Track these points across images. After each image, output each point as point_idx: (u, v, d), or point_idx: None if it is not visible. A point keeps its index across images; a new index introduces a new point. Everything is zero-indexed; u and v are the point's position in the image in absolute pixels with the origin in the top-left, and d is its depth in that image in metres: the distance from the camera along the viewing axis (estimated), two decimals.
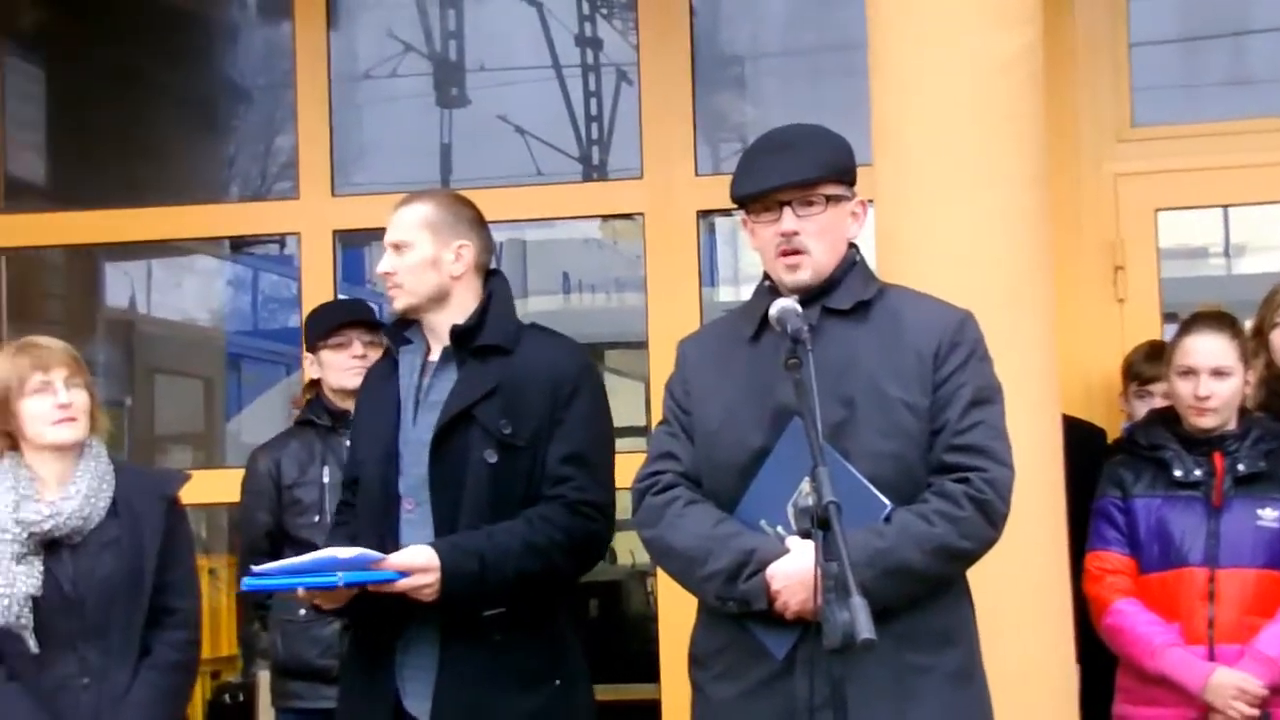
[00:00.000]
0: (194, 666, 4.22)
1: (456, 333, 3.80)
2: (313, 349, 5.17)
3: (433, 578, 3.60)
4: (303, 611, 4.96)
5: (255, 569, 3.68)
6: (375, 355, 4.92)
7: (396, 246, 3.84)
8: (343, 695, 3.97)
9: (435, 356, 3.85)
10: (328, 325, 5.12)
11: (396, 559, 3.61)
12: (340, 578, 3.54)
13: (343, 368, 5.06)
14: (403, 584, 3.59)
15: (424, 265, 3.82)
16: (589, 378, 3.87)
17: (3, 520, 3.95)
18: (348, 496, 3.99)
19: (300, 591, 3.70)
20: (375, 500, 3.81)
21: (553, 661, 3.78)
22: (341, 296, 6.01)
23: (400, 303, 3.85)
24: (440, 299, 3.84)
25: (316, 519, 4.98)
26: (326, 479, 5.00)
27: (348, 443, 4.88)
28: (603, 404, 3.88)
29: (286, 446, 5.15)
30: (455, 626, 3.69)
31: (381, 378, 3.93)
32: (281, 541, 5.06)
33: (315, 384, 5.19)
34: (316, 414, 5.13)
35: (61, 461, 4.03)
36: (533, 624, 3.74)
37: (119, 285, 8.53)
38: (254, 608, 5.44)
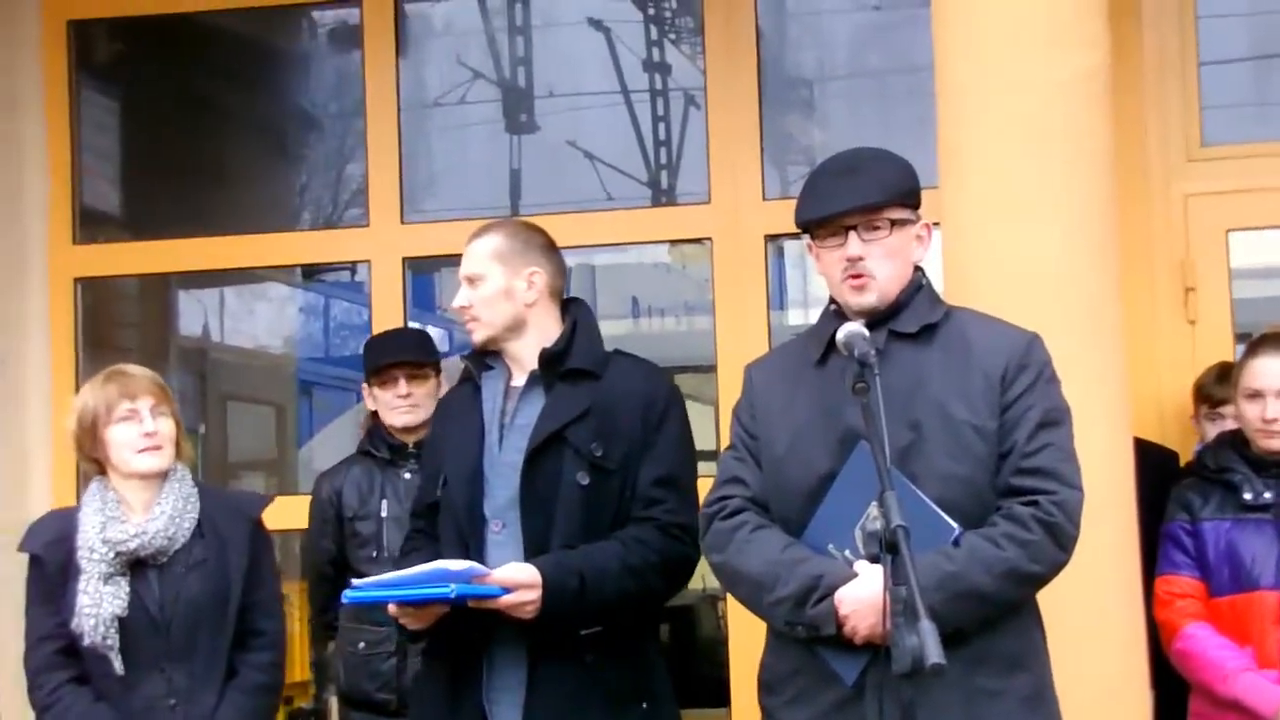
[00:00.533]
0: (279, 688, 4.25)
1: (545, 357, 3.85)
2: (368, 382, 5.20)
3: (535, 594, 3.64)
4: (362, 644, 5.00)
5: (356, 582, 3.74)
6: (422, 390, 5.02)
7: (470, 280, 3.90)
8: (422, 715, 3.97)
9: (517, 382, 3.89)
10: (375, 363, 5.15)
11: (501, 574, 3.64)
12: (454, 589, 3.56)
13: (389, 405, 5.09)
14: (506, 600, 3.62)
15: (498, 296, 3.87)
16: (677, 401, 3.93)
17: (90, 540, 4.00)
18: (420, 524, 4.01)
19: (391, 608, 3.71)
20: (460, 522, 3.83)
21: (641, 683, 3.82)
22: (406, 325, 6.03)
23: (479, 335, 3.91)
24: (517, 327, 3.89)
25: (375, 553, 5.00)
26: (385, 513, 5.03)
27: (405, 475, 4.94)
28: (688, 428, 3.94)
29: (348, 474, 5.16)
30: (545, 646, 3.71)
31: (464, 403, 3.96)
32: (345, 569, 5.08)
33: (375, 414, 5.21)
34: (375, 446, 5.15)
35: (147, 489, 4.07)
36: (622, 645, 3.78)
37: (192, 313, 8.61)
38: (323, 631, 5.46)
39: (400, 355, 5.14)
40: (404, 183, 6.25)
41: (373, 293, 6.24)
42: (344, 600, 3.77)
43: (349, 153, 6.97)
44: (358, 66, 6.36)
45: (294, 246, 6.77)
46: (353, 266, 7.86)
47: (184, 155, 6.92)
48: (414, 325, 6.21)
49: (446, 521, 3.88)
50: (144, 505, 4.06)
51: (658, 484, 3.81)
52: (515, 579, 3.64)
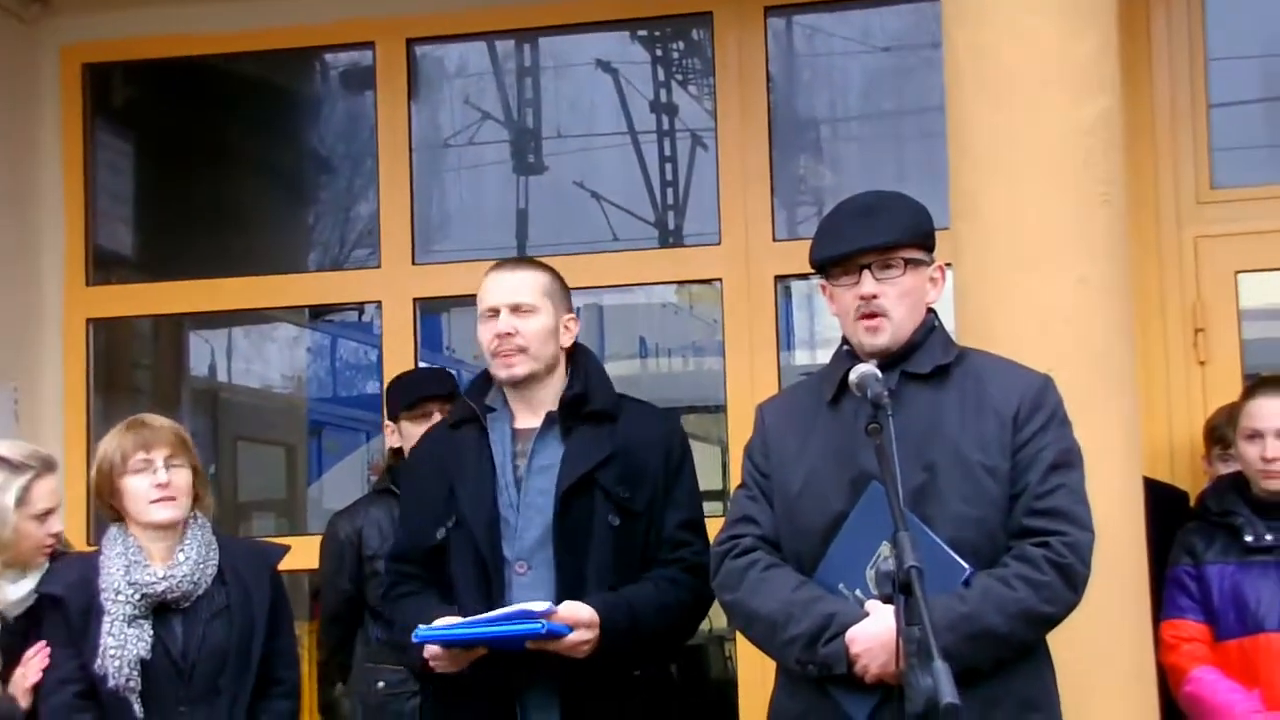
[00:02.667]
0: None
1: (568, 399, 3.85)
2: (394, 418, 5.19)
3: (594, 634, 3.65)
4: (381, 684, 4.99)
5: (438, 623, 3.66)
6: None
7: (517, 309, 3.85)
8: None
9: (527, 424, 3.88)
10: (410, 397, 5.14)
11: (564, 613, 3.63)
12: (544, 625, 3.57)
13: None
14: (570, 639, 3.63)
15: (547, 333, 3.87)
16: (687, 444, 3.98)
17: (116, 582, 4.00)
18: (407, 569, 3.94)
19: (427, 649, 3.68)
20: (477, 565, 3.80)
21: None
22: (423, 365, 6.06)
23: (523, 369, 3.85)
24: (553, 368, 3.90)
25: None
26: None
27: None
28: (695, 470, 3.99)
29: (368, 514, 5.16)
30: (576, 688, 3.72)
31: (466, 444, 3.91)
32: (362, 609, 5.07)
33: (397, 452, 5.19)
34: (397, 483, 5.15)
35: (165, 537, 4.08)
36: (650, 684, 3.83)
37: (203, 354, 8.62)
38: (336, 672, 5.45)
39: (435, 389, 5.15)
40: (415, 223, 6.29)
41: (384, 333, 6.26)
42: (416, 639, 3.67)
43: (360, 194, 6.99)
44: (370, 108, 6.40)
45: (306, 287, 6.79)
46: (361, 307, 7.87)
47: (197, 197, 6.95)
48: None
49: (461, 564, 3.84)
50: (163, 553, 4.07)
51: (682, 527, 3.86)
52: (577, 617, 3.64)
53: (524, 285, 3.89)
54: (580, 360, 3.96)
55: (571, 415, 3.86)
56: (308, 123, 7.33)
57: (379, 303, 6.31)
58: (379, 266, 6.30)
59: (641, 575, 3.81)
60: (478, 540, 3.80)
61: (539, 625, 3.57)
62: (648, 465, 3.86)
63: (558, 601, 3.67)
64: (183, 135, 6.95)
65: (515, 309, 3.85)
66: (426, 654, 3.72)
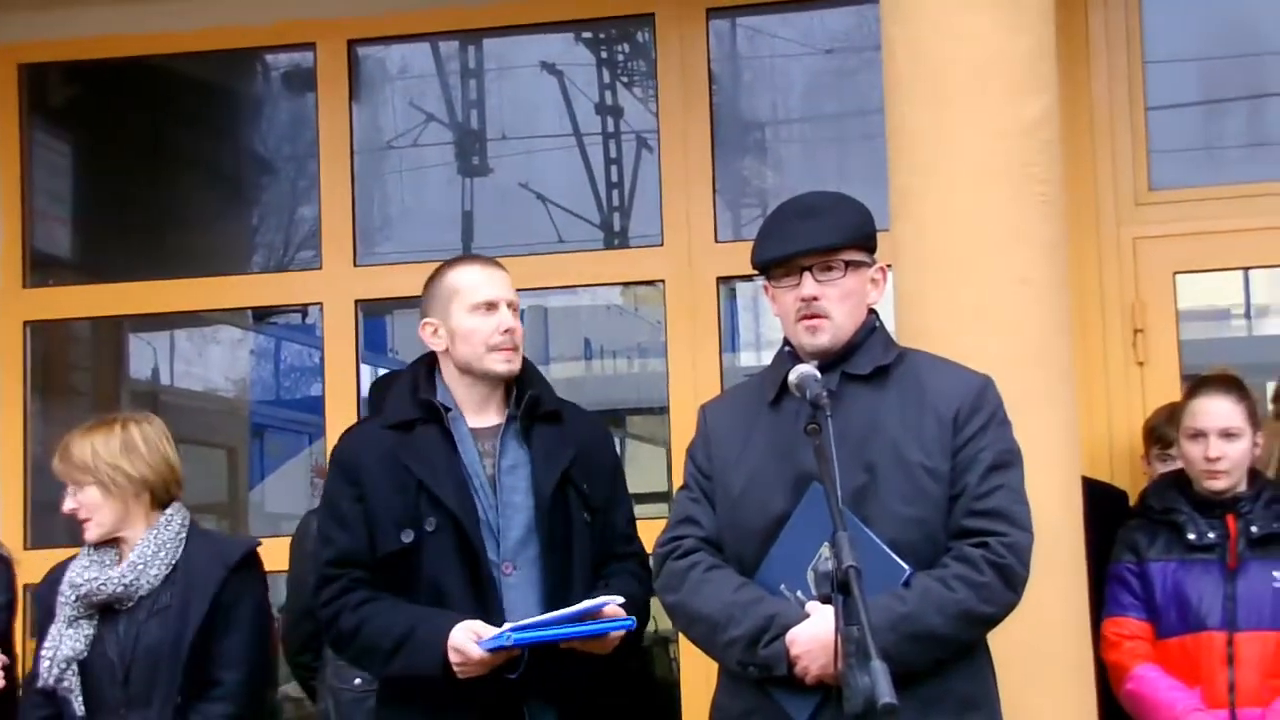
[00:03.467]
0: None
1: (531, 400, 3.88)
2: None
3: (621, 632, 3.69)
4: (358, 681, 4.94)
5: (516, 624, 3.60)
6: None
7: (512, 305, 3.91)
8: None
9: (481, 424, 3.87)
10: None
11: (610, 612, 3.64)
12: (632, 620, 3.61)
13: None
14: (612, 636, 3.66)
15: (522, 334, 3.94)
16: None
17: (63, 585, 4.09)
18: (358, 574, 3.82)
19: (458, 655, 3.61)
20: (464, 567, 3.77)
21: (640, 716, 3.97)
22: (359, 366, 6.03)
23: (517, 364, 3.89)
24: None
25: None
26: None
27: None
28: None
29: None
30: (574, 690, 3.74)
31: (431, 445, 3.85)
32: None
33: None
34: None
35: (124, 542, 4.15)
36: (634, 678, 3.92)
37: (143, 357, 8.55)
38: (296, 671, 5.40)
39: None
40: (357, 225, 6.26)
41: (325, 335, 6.23)
42: (507, 642, 3.58)
43: (302, 195, 6.94)
44: (311, 110, 6.37)
45: (247, 289, 6.75)
46: (304, 309, 7.83)
47: (136, 198, 6.89)
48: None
49: (444, 567, 3.77)
50: (123, 555, 4.13)
51: (631, 523, 3.95)
52: (617, 615, 3.66)
53: (510, 283, 3.94)
54: (525, 364, 3.97)
55: (528, 415, 3.88)
56: (249, 124, 7.28)
57: (320, 304, 6.28)
58: (320, 268, 6.27)
59: (602, 570, 3.86)
60: (469, 541, 3.76)
61: (630, 620, 3.61)
62: (601, 464, 3.93)
63: (548, 601, 3.70)
64: (122, 136, 6.90)
65: (511, 305, 3.90)
66: (457, 659, 3.61)
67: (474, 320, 3.87)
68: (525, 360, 3.97)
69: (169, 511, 4.17)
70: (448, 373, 3.94)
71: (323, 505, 4.02)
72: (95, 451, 4.14)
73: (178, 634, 4.02)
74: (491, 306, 3.87)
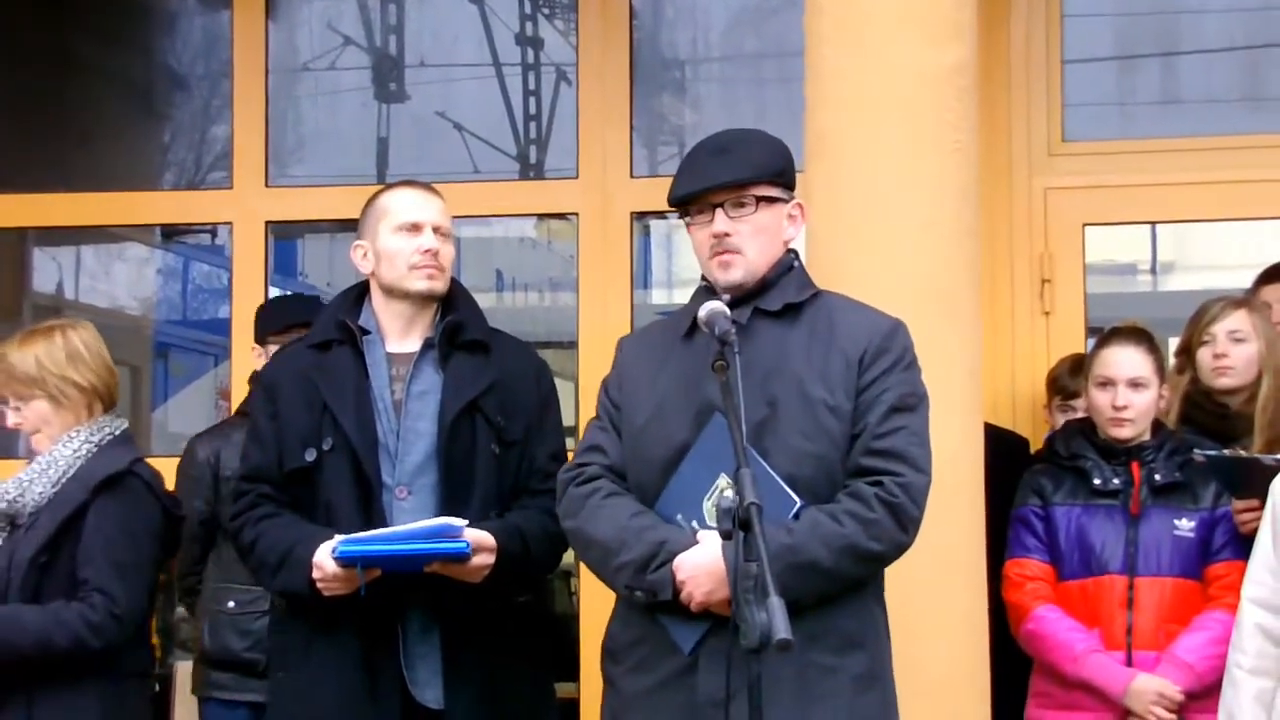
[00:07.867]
0: (88, 635, 3.96)
1: (450, 326, 3.87)
2: (261, 341, 5.14)
3: (492, 559, 3.68)
4: (232, 603, 4.95)
5: (348, 538, 3.62)
6: None
7: (438, 230, 3.91)
8: (327, 683, 3.78)
9: (403, 348, 3.88)
10: (281, 322, 5.09)
11: (470, 536, 3.63)
12: (468, 544, 3.59)
13: None
14: (475, 562, 3.64)
15: (451, 260, 3.96)
16: (553, 380, 4.05)
17: None
18: (265, 490, 3.87)
19: (319, 570, 3.63)
20: (356, 488, 3.78)
21: (545, 650, 4.04)
22: (289, 292, 5.98)
23: (441, 285, 3.91)
24: (442, 294, 3.93)
25: None
26: None
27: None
28: (559, 405, 4.06)
29: (229, 437, 5.09)
30: (457, 614, 3.74)
31: (341, 366, 3.87)
32: (215, 530, 5.02)
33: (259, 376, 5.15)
34: None
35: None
36: (522, 611, 3.91)
37: (47, 270, 8.43)
38: (183, 594, 5.39)
39: (306, 315, 5.07)
40: (269, 146, 6.19)
41: (234, 256, 6.17)
42: (336, 556, 3.61)
43: (215, 114, 6.86)
44: (227, 26, 6.29)
45: (155, 206, 6.68)
46: (214, 229, 7.76)
47: (44, 110, 6.78)
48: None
49: (337, 488, 3.79)
50: None
51: (553, 458, 3.89)
52: (481, 541, 3.66)
53: (443, 210, 3.95)
54: (455, 290, 3.98)
55: (448, 343, 3.87)
56: (163, 38, 7.18)
57: (230, 224, 6.21)
58: (231, 188, 6.20)
59: (514, 505, 3.86)
60: (361, 463, 3.77)
61: (464, 544, 3.59)
62: (522, 397, 3.92)
63: None
64: (31, 46, 6.77)
65: (438, 230, 3.90)
66: (317, 575, 3.66)
67: (398, 241, 3.89)
68: (458, 288, 3.98)
69: (93, 426, 4.11)
70: (375, 296, 3.96)
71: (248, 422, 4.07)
72: (40, 363, 4.08)
73: (35, 551, 3.99)
74: (416, 228, 3.89)
